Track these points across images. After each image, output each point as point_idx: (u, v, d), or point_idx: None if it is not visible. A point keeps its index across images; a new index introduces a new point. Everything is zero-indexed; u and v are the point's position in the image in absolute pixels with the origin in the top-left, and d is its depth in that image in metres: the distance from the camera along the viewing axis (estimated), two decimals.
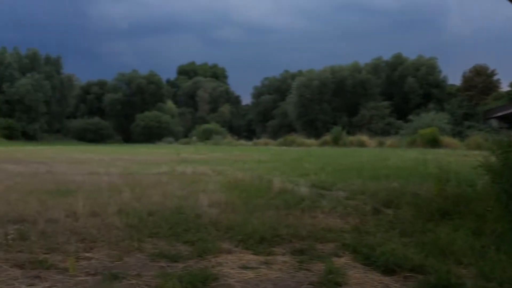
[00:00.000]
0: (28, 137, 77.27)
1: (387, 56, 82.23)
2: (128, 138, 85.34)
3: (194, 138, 69.57)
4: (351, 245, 5.81)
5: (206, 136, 68.38)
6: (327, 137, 54.50)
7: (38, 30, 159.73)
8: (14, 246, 5.56)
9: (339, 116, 73.17)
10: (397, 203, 8.58)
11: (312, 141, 55.48)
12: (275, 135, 72.73)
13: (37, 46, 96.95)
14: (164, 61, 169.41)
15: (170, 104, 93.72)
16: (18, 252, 5.31)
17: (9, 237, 5.90)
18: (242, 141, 65.60)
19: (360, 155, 28.93)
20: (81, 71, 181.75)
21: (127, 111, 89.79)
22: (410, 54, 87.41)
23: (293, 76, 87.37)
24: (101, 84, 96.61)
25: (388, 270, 4.89)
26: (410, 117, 59.91)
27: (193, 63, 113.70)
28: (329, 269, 4.80)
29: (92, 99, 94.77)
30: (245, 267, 5.04)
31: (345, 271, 4.89)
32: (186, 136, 78.06)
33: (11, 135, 73.81)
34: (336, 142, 51.88)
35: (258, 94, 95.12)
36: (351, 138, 52.99)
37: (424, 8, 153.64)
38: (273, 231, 6.37)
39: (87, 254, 5.34)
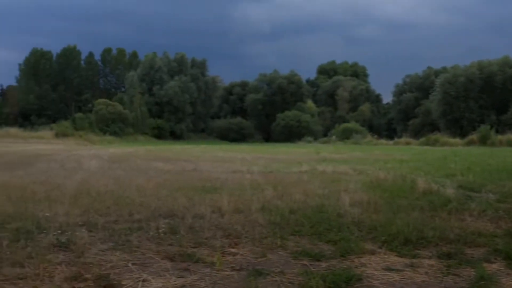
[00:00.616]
0: (176, 136, 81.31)
1: None
2: (268, 137, 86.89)
3: (333, 137, 69.17)
4: (503, 251, 5.42)
5: (345, 135, 67.76)
6: (474, 136, 51.63)
7: (186, 35, 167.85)
8: (165, 239, 5.83)
9: (486, 114, 69.03)
10: None
11: (456, 140, 52.86)
12: (417, 134, 70.27)
13: (185, 50, 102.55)
14: (304, 61, 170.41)
15: (310, 103, 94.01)
16: (168, 245, 5.56)
17: (160, 230, 6.20)
18: (383, 141, 64.10)
19: (511, 155, 27.11)
20: (224, 73, 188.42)
21: (268, 110, 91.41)
22: None
23: (437, 73, 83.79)
24: (243, 85, 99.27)
25: None
26: None
27: (333, 62, 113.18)
28: (481, 275, 4.51)
29: (235, 100, 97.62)
30: (389, 269, 4.88)
31: (498, 278, 4.56)
32: (325, 135, 77.82)
33: (160, 135, 78.21)
34: (483, 141, 49.01)
35: (399, 92, 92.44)
36: (500, 137, 49.76)
37: None
38: (418, 233, 6.11)
39: (232, 250, 5.47)
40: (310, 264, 5.00)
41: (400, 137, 67.05)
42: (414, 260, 5.18)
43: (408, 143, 56.08)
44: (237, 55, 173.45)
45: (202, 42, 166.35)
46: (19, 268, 4.57)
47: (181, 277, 4.48)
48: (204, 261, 4.98)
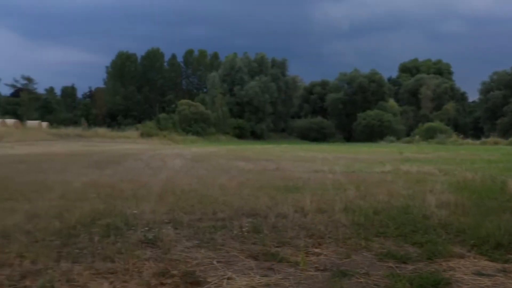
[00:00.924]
0: (256, 136, 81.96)
1: None
2: (349, 137, 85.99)
3: (416, 137, 67.51)
4: None
5: (429, 135, 66.00)
6: None
7: (266, 36, 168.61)
8: (249, 238, 5.87)
9: None
10: None
11: None
12: (505, 133, 67.43)
13: (265, 50, 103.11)
14: (386, 59, 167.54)
15: (392, 102, 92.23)
16: (252, 244, 5.60)
17: (244, 229, 6.25)
18: (468, 140, 61.93)
19: None
20: (304, 72, 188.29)
21: (348, 110, 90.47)
22: None
23: None
24: (324, 84, 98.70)
25: None
26: None
27: (415, 59, 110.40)
28: None
29: (315, 99, 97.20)
30: (480, 274, 4.68)
31: None
32: (408, 135, 76.15)
33: (241, 134, 79.06)
34: None
35: (486, 89, 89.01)
36: None
37: None
38: (510, 236, 5.85)
39: (316, 250, 5.43)
40: (396, 267, 4.88)
41: (487, 136, 64.52)
42: (506, 265, 4.95)
43: (496, 143, 53.90)
44: (317, 54, 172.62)
45: (282, 42, 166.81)
46: (109, 263, 4.73)
47: (265, 276, 4.49)
48: (288, 260, 4.97)
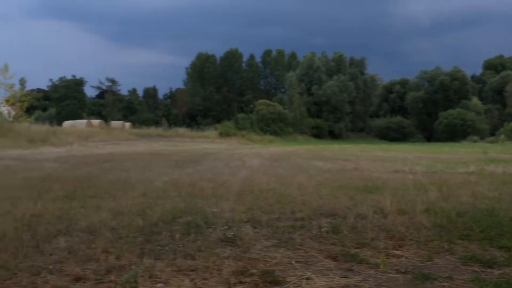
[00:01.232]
0: (334, 135, 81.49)
1: None
2: (430, 136, 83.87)
3: (501, 136, 64.80)
4: None
5: None
6: None
7: (344, 34, 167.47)
8: (328, 238, 5.82)
9: None
10: None
11: None
12: None
13: (343, 49, 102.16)
14: (469, 56, 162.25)
15: (475, 101, 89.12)
16: (331, 245, 5.54)
17: (322, 229, 6.20)
18: None
19: None
20: (384, 71, 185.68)
21: (429, 109, 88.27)
22: None
23: None
24: (403, 83, 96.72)
25: None
26: None
27: (501, 56, 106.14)
28: None
29: (395, 98, 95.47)
30: None
31: None
32: (492, 134, 73.29)
33: (319, 134, 78.85)
34: None
35: None
36: None
37: None
38: None
39: (396, 252, 5.31)
40: (482, 271, 4.69)
41: None
42: None
43: None
44: (396, 52, 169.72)
45: (361, 40, 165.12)
46: (190, 260, 4.81)
47: (345, 277, 4.43)
48: (368, 262, 4.88)
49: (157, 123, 74.57)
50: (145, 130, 58.70)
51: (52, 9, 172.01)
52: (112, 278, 4.27)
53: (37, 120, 52.31)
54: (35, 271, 4.40)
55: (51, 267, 4.53)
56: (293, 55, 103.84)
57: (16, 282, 4.15)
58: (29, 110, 51.00)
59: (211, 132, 65.65)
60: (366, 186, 10.64)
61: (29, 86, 49.89)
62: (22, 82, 46.40)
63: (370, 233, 6.04)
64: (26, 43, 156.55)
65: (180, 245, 5.35)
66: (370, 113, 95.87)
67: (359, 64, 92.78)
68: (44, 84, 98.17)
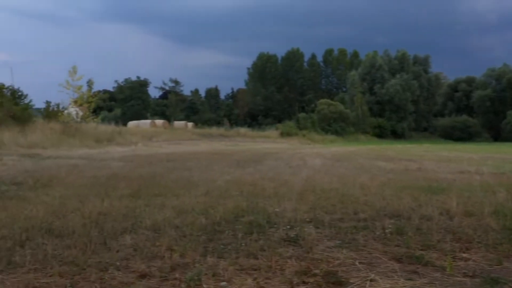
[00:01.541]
0: (397, 135, 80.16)
1: None
2: (497, 136, 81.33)
3: None
4: None
5: None
6: None
7: (407, 32, 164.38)
8: (392, 239, 5.72)
9: None
10: None
11: None
12: None
13: (406, 47, 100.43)
14: None
15: None
16: (395, 246, 5.44)
17: (386, 230, 6.11)
18: None
19: None
20: (448, 69, 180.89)
21: (497, 107, 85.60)
22: None
23: None
24: (469, 81, 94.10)
25: None
26: None
27: None
28: None
29: (460, 97, 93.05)
30: None
31: None
32: None
33: (381, 134, 77.77)
34: None
35: None
36: None
37: None
38: None
39: (463, 255, 5.16)
40: None
41: None
42: None
43: None
44: (462, 49, 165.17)
45: (425, 37, 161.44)
46: (253, 259, 4.82)
47: (410, 279, 4.34)
48: (433, 264, 4.77)
49: (218, 123, 75.52)
50: (207, 130, 59.49)
51: (119, 13, 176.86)
52: (177, 275, 4.33)
53: (103, 120, 53.94)
54: (103, 267, 4.52)
55: (117, 263, 4.64)
56: (355, 54, 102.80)
57: (85, 277, 4.27)
58: (96, 111, 52.49)
59: (272, 132, 65.82)
60: (431, 187, 10.40)
61: (96, 87, 51.38)
62: (90, 83, 47.79)
63: (436, 235, 5.91)
64: (93, 45, 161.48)
65: (243, 244, 5.39)
66: (434, 112, 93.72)
67: (423, 62, 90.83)
68: (110, 85, 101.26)
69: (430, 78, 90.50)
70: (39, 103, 52.19)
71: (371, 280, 4.27)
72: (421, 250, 5.28)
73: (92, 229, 6.03)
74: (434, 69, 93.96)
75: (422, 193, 9.40)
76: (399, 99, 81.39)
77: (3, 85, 34.56)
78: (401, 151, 31.18)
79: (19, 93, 36.12)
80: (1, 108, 30.66)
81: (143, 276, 4.34)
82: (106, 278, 4.25)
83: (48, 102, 40.59)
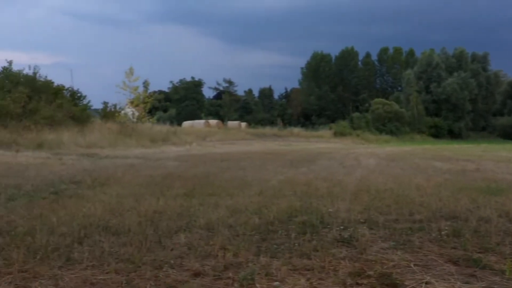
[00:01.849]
0: (453, 135, 78.34)
1: None
2: None
3: None
4: None
5: None
6: None
7: (465, 29, 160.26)
8: (448, 242, 5.59)
9: None
10: None
11: None
12: None
13: (464, 45, 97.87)
14: None
15: None
16: (452, 248, 5.33)
17: (443, 232, 5.98)
18: None
19: None
20: (509, 66, 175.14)
21: None
22: None
23: None
24: None
25: None
26: None
27: None
28: None
29: None
30: None
31: None
32: None
33: (437, 134, 76.20)
34: None
35: None
36: None
37: None
38: None
39: None
40: None
41: None
42: None
43: None
44: None
45: (483, 34, 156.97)
46: (306, 260, 4.82)
47: (467, 283, 4.24)
48: (492, 268, 4.64)
49: (272, 123, 75.59)
50: (260, 130, 59.69)
51: (174, 15, 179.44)
52: (230, 274, 4.37)
53: (159, 120, 54.87)
54: (157, 265, 4.61)
55: (172, 261, 4.72)
56: (410, 52, 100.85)
57: (140, 275, 4.36)
58: (151, 111, 53.52)
59: (325, 132, 65.51)
60: (490, 188, 10.12)
61: (152, 88, 52.17)
62: (146, 84, 48.75)
63: (495, 237, 5.75)
64: (150, 47, 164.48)
65: (296, 244, 5.38)
66: (493, 111, 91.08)
67: (481, 60, 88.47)
68: (165, 86, 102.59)
69: (489, 76, 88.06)
70: (97, 104, 53.72)
71: (426, 283, 4.19)
72: (479, 253, 5.15)
73: (147, 227, 6.15)
74: (493, 66, 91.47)
75: (480, 194, 9.17)
76: (456, 98, 79.51)
77: (63, 86, 35.56)
78: (458, 151, 30.48)
79: (78, 94, 37.07)
80: (61, 109, 31.58)
81: (197, 274, 4.39)
82: (161, 276, 4.33)
83: (105, 103, 41.61)
